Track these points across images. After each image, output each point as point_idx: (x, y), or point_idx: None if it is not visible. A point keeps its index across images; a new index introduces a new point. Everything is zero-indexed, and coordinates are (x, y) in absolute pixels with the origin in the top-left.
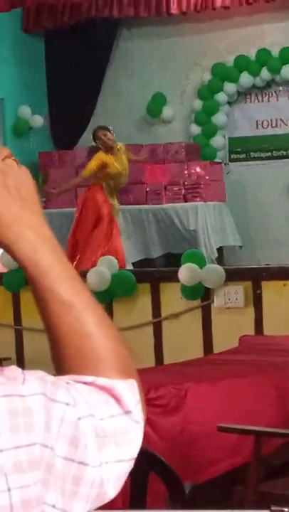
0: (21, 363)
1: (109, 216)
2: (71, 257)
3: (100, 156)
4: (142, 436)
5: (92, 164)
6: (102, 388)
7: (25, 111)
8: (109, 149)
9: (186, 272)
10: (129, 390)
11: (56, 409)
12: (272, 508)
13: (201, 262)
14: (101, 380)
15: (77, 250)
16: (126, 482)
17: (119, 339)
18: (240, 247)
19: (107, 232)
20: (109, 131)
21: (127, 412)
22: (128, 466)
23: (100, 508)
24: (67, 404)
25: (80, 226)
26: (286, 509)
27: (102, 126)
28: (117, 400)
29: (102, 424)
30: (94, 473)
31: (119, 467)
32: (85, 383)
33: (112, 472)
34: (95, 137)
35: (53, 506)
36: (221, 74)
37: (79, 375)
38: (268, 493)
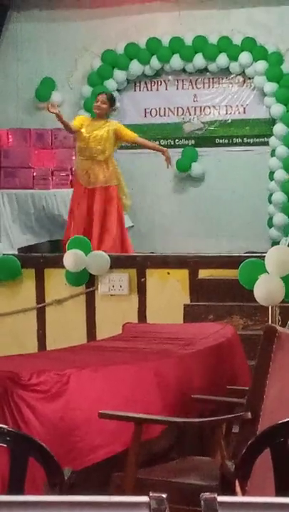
0: None
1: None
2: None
3: (81, 117)
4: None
5: (75, 121)
6: None
7: None
8: (98, 116)
9: (71, 258)
10: None
11: None
12: (151, 495)
13: (86, 248)
14: None
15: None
16: (5, 467)
17: None
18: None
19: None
20: (110, 99)
21: None
22: None
23: None
24: None
25: None
26: (164, 495)
27: (105, 91)
28: None
29: None
30: None
31: None
32: None
33: None
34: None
35: None
36: (111, 61)
37: None
38: (147, 479)
